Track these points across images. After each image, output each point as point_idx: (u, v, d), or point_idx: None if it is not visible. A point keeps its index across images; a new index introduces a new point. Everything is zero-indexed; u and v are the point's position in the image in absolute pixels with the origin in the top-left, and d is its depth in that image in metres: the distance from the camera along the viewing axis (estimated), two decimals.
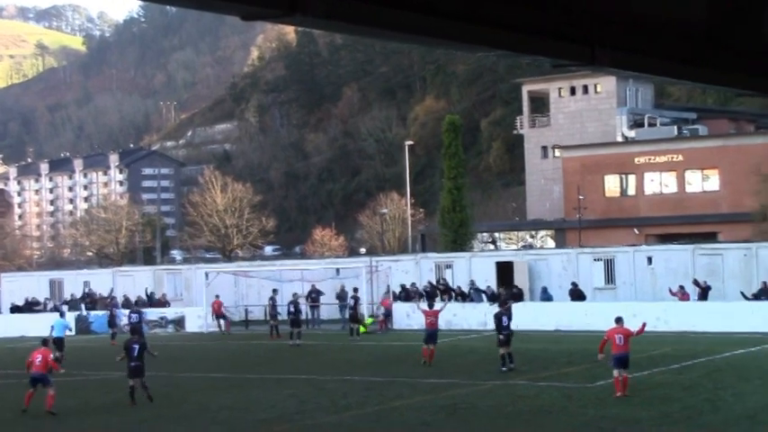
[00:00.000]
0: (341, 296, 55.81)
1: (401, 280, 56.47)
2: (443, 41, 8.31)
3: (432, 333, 36.89)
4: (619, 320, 28.36)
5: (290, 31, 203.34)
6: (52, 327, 40.83)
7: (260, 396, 30.32)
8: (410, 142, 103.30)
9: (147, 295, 60.11)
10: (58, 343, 39.83)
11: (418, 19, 7.74)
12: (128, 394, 29.21)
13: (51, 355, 29.54)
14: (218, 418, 26.91)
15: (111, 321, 54.36)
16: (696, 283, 48.36)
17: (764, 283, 46.60)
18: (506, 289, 51.00)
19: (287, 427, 25.24)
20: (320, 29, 8.01)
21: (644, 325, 29.40)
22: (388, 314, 54.19)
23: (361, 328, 51.62)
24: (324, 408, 27.63)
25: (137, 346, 29.67)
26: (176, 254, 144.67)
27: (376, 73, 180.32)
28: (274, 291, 54.41)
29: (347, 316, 52.86)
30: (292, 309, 47.34)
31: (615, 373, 27.56)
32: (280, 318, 51.45)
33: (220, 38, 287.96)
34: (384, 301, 55.15)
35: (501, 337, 34.38)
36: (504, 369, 33.70)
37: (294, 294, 50.19)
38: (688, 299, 47.74)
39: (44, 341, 30.58)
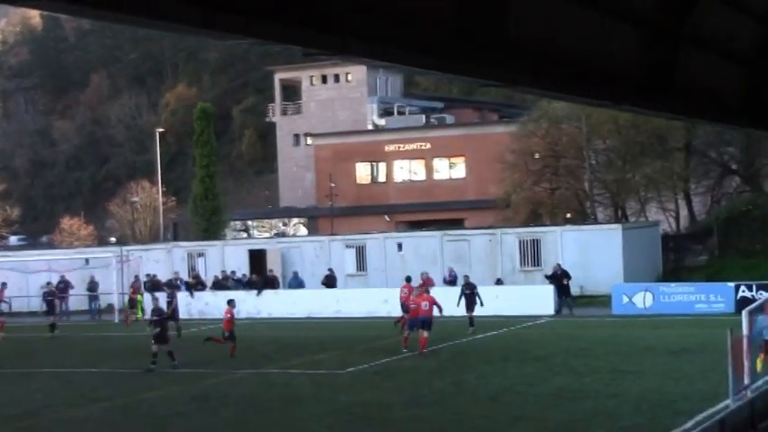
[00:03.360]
0: (91, 287, 54.82)
1: (152, 269, 55.62)
2: (192, 28, 8.21)
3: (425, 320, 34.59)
4: (426, 291, 35.17)
5: (35, 15, 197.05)
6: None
7: (4, 391, 29.33)
8: (161, 130, 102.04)
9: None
10: None
11: (166, 4, 7.63)
12: None
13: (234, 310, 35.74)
14: None
15: None
16: (450, 281, 49.37)
17: (558, 265, 47.62)
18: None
19: (32, 422, 24.53)
20: (66, 13, 7.78)
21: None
22: (407, 310, 37.93)
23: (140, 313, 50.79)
24: (72, 401, 26.99)
25: None
26: None
27: (125, 59, 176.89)
28: None
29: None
30: (50, 298, 48.18)
31: (425, 334, 33.47)
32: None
33: None
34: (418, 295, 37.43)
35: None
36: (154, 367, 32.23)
37: (48, 284, 50.74)
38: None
39: (229, 301, 36.00)
